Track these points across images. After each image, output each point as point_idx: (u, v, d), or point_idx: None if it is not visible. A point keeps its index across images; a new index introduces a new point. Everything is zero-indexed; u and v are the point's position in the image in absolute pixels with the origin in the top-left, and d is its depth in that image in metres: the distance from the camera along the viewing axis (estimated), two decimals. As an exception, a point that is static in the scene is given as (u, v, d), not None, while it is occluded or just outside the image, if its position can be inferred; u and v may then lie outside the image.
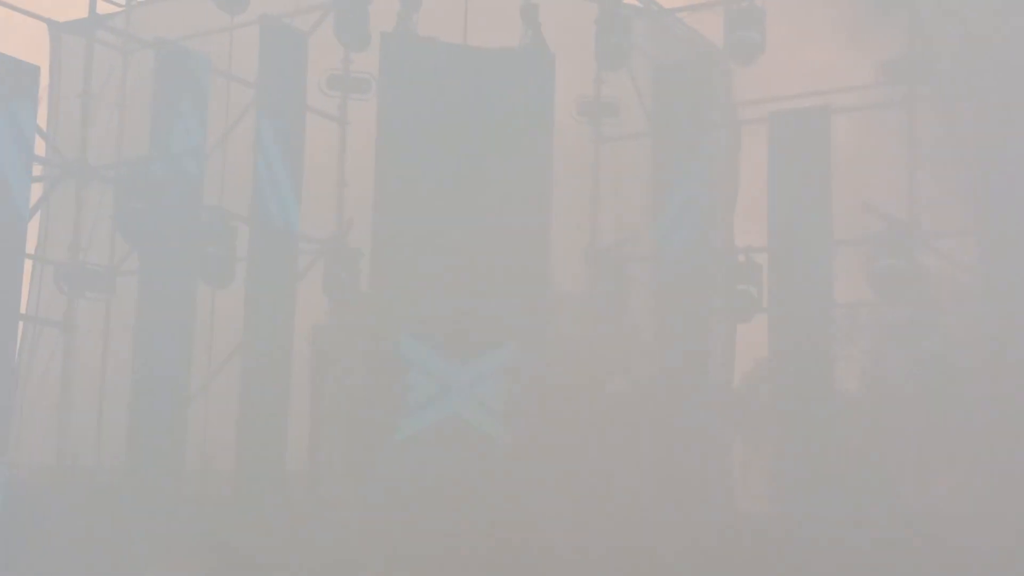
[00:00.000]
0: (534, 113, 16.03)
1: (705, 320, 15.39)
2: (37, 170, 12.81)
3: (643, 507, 14.00)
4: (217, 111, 14.54)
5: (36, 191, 12.93)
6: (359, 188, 15.47)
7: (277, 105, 14.63)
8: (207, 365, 14.29)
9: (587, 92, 16.72)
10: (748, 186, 16.24)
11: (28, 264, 12.65)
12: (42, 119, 13.64)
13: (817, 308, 14.30)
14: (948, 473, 13.49)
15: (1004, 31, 14.34)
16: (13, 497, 11.60)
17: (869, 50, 14.87)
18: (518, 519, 13.43)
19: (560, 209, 16.10)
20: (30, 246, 12.92)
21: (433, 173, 15.71)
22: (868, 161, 14.61)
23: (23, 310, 12.51)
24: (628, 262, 16.16)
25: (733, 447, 15.03)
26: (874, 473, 13.68)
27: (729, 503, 14.36)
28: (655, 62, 17.18)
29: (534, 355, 15.58)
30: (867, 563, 12.82)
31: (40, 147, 13.13)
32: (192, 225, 13.36)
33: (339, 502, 14.10)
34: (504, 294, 15.51)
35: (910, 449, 13.75)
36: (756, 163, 15.97)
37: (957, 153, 14.65)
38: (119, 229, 12.54)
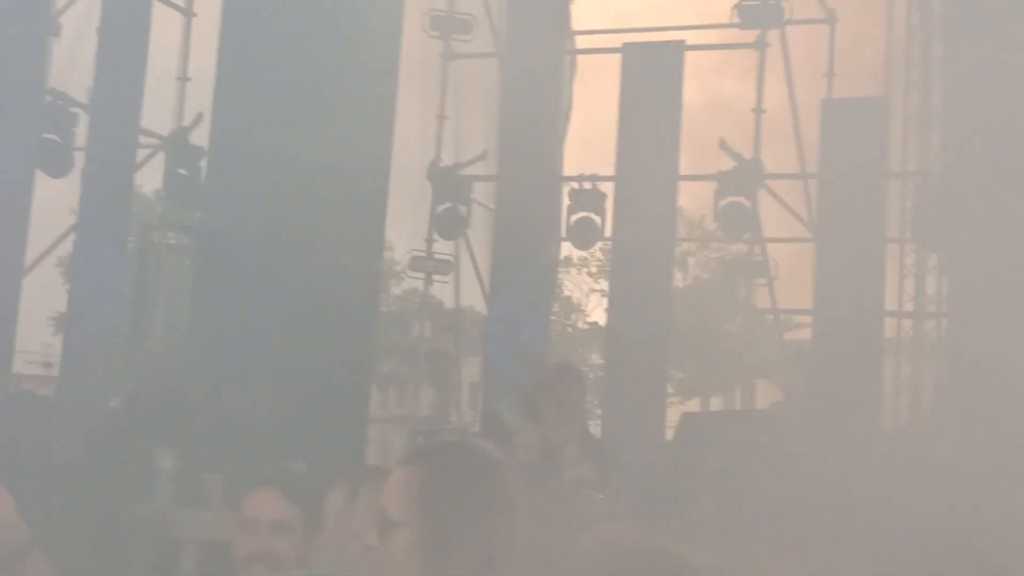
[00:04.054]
0: (382, 24, 15.69)
1: (546, 245, 15.59)
2: None
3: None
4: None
5: None
6: (204, 84, 14.88)
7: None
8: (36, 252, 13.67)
9: (438, 6, 16.55)
10: (594, 115, 16.50)
11: None
12: None
13: (660, 240, 14.66)
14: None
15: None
16: None
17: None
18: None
19: (404, 125, 15.94)
20: None
21: (276, 75, 15.20)
22: (717, 99, 15.05)
23: None
24: (471, 182, 16.18)
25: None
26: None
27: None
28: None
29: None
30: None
31: None
32: (32, 109, 12.60)
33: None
34: (343, 205, 15.26)
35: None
36: (601, 93, 16.23)
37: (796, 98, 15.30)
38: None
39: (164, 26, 14.63)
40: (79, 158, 13.30)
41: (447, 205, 16.14)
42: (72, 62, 14.00)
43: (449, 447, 2.58)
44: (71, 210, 13.92)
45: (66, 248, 14.04)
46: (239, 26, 14.88)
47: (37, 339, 18.34)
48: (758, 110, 14.71)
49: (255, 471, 4.10)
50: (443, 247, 16.54)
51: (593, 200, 15.35)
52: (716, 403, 24.01)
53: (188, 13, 15.35)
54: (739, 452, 11.81)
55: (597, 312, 20.21)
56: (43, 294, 14.69)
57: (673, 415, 15.73)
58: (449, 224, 16.14)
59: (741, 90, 14.94)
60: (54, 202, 13.92)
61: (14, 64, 12.01)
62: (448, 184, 16.08)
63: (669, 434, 14.07)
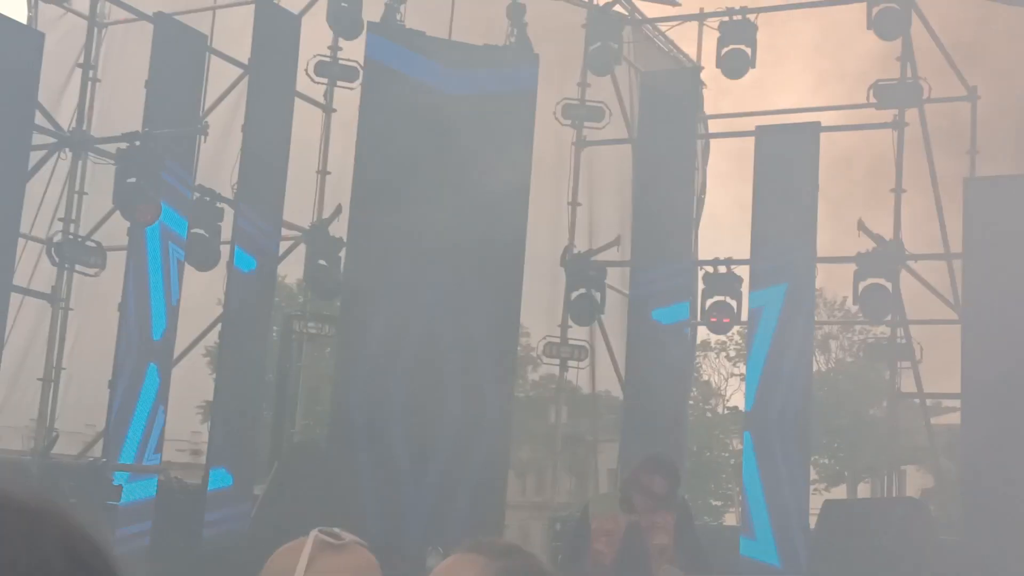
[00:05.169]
0: (515, 113, 15.95)
1: (681, 329, 15.50)
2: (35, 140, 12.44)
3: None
4: (210, 91, 14.28)
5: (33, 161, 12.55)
6: (344, 177, 15.30)
7: (267, 88, 14.37)
8: (185, 343, 14.08)
9: (571, 95, 16.74)
10: (729, 198, 16.45)
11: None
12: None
13: (800, 323, 14.45)
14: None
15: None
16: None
17: (859, 71, 15.17)
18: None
19: (538, 212, 16.10)
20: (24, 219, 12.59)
21: (413, 166, 15.56)
22: (855, 179, 14.85)
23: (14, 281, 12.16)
24: (604, 267, 16.21)
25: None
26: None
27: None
28: (639, 70, 17.33)
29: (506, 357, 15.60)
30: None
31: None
32: (182, 204, 13.08)
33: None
34: (479, 292, 15.45)
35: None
36: (737, 176, 16.18)
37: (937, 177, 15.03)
38: (116, 203, 12.21)
39: (305, 122, 15.09)
40: (225, 251, 13.70)
41: (581, 291, 16.17)
42: (218, 159, 14.52)
43: (503, 548, 2.59)
44: (218, 301, 14.33)
45: (212, 338, 14.49)
46: (376, 121, 15.32)
47: (186, 427, 18.85)
48: (898, 190, 14.47)
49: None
50: (578, 333, 16.56)
51: (729, 284, 15.24)
52: (864, 490, 23.39)
53: (328, 109, 15.83)
54: (884, 540, 11.50)
55: (737, 396, 19.90)
56: (191, 383, 15.13)
57: (818, 502, 15.38)
58: (583, 310, 16.16)
59: (880, 170, 14.70)
60: (202, 294, 14.37)
61: (165, 162, 12.49)
62: (582, 270, 16.13)
63: (812, 522, 13.76)
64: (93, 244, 12.57)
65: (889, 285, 14.03)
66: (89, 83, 14.93)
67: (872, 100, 14.65)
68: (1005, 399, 13.23)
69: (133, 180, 12.05)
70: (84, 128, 13.10)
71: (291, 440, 14.88)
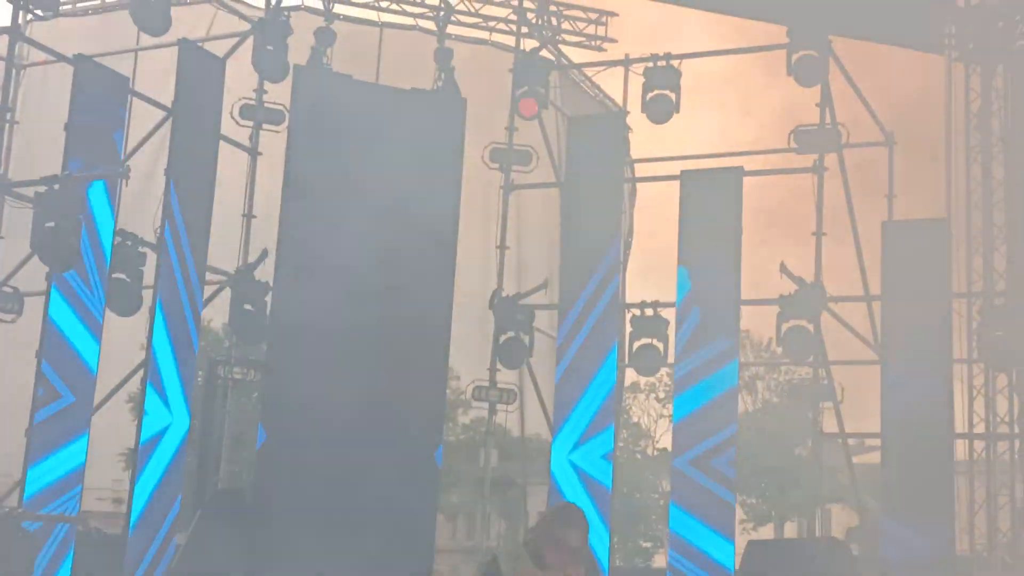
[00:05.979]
0: (443, 158, 15.97)
1: (609, 372, 15.52)
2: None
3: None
4: (132, 134, 14.14)
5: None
6: (270, 221, 15.20)
7: (190, 131, 14.26)
8: (106, 390, 13.84)
9: (498, 138, 16.79)
10: (655, 242, 16.55)
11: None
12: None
13: (724, 364, 14.55)
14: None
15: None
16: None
17: (781, 117, 15.41)
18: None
19: (467, 253, 16.10)
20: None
21: (339, 212, 15.50)
22: (777, 223, 15.04)
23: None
24: (532, 311, 16.22)
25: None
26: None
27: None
28: (566, 114, 17.44)
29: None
30: None
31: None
32: (101, 249, 12.90)
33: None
34: (407, 336, 15.40)
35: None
36: (661, 219, 16.30)
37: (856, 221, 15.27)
38: (34, 248, 12.01)
39: (230, 165, 14.99)
40: (147, 296, 13.53)
41: (510, 334, 16.16)
42: (141, 203, 14.38)
43: None
44: (140, 346, 14.14)
45: (135, 384, 14.27)
46: (302, 164, 15.23)
47: (107, 476, 18.52)
48: (819, 233, 14.69)
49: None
50: (507, 376, 16.52)
51: (655, 326, 15.34)
52: (791, 529, 23.55)
53: (253, 152, 15.74)
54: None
55: (666, 438, 19.98)
56: (113, 431, 14.87)
57: (746, 542, 15.44)
58: (512, 353, 16.14)
59: (801, 213, 14.91)
60: (123, 340, 14.16)
61: (85, 204, 12.32)
62: (510, 313, 16.12)
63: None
64: (10, 290, 12.36)
65: (811, 327, 14.20)
66: (7, 125, 14.79)
67: (793, 145, 14.88)
68: (924, 437, 13.43)
69: (52, 224, 11.86)
70: (1, 171, 12.88)
71: (214, 487, 14.65)
